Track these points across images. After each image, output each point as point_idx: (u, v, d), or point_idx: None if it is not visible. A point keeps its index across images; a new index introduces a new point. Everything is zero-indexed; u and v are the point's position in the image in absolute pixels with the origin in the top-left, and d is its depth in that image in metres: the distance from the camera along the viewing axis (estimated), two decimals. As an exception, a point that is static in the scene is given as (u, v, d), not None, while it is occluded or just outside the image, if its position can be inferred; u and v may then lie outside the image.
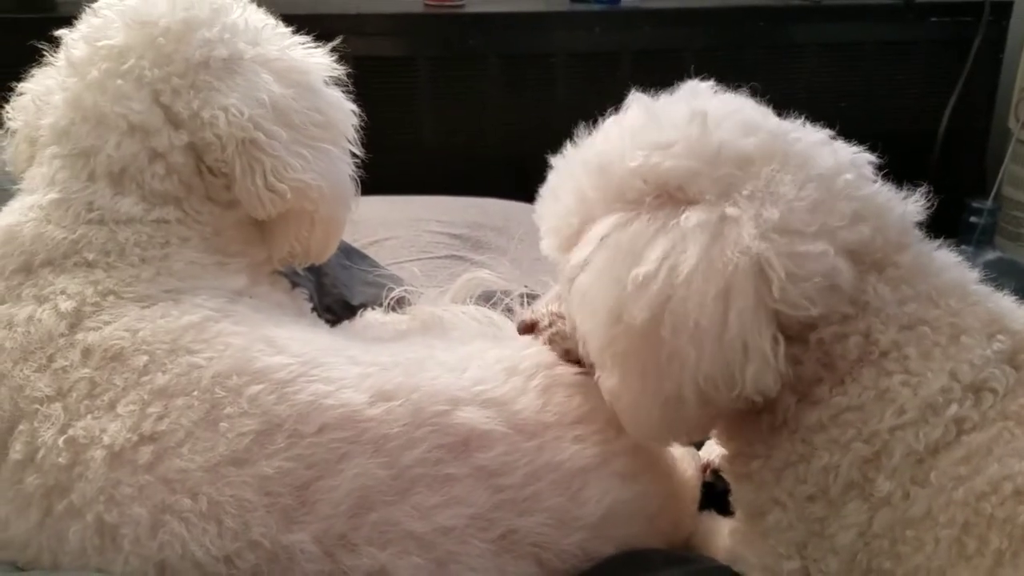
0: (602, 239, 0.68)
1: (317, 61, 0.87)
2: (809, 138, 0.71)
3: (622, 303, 0.65)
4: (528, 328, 0.84)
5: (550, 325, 0.82)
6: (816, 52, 2.22)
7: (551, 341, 0.82)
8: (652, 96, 0.75)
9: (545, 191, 0.79)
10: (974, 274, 0.71)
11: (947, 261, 0.71)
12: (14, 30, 1.76)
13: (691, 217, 0.65)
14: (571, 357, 0.81)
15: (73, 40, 0.82)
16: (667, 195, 0.67)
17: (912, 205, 0.71)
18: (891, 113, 2.29)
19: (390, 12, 2.02)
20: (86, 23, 0.82)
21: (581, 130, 0.78)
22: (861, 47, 2.24)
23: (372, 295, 1.14)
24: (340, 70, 0.89)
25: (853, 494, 0.65)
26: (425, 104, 2.06)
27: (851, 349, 0.66)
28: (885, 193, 0.71)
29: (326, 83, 0.87)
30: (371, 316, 1.07)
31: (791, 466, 0.68)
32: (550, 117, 1.99)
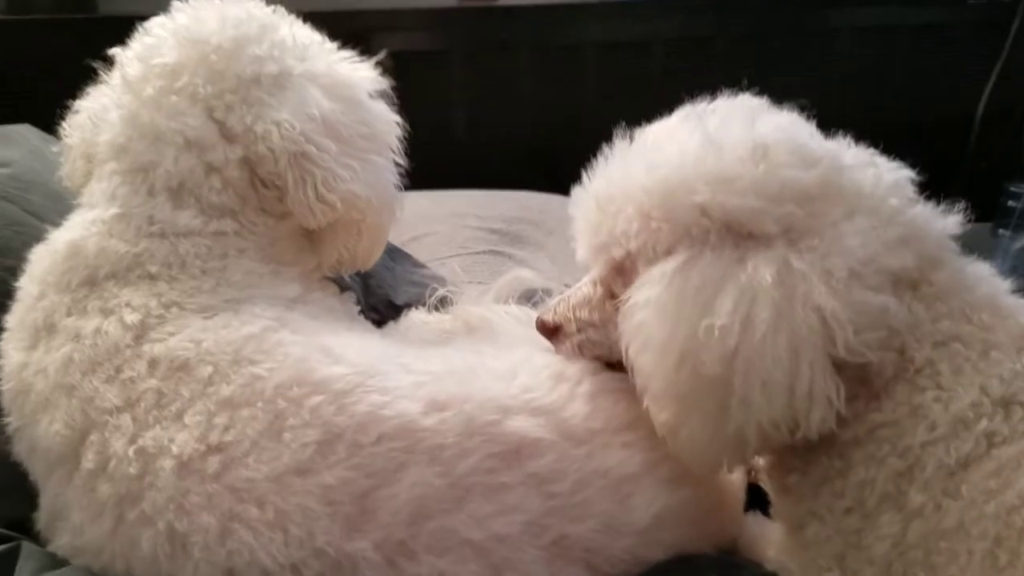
0: (669, 279, 0.69)
1: (362, 75, 0.89)
2: (856, 164, 0.71)
3: (692, 350, 0.66)
4: (551, 332, 0.84)
5: (578, 331, 0.83)
6: (851, 37, 2.18)
7: (580, 347, 0.83)
8: (701, 107, 0.76)
9: (586, 199, 0.78)
10: (1006, 285, 0.72)
11: (980, 275, 0.72)
12: (52, 31, 1.80)
13: (760, 269, 0.66)
14: (601, 362, 0.82)
15: (127, 59, 0.84)
16: (729, 230, 0.68)
17: (950, 221, 0.72)
18: (928, 97, 2.25)
19: (425, 7, 2.02)
20: (139, 42, 0.85)
21: (617, 135, 0.78)
22: (898, 31, 2.20)
23: (416, 295, 1.16)
24: (384, 83, 0.90)
25: (887, 506, 0.66)
26: (459, 97, 2.06)
27: (887, 367, 0.68)
28: (925, 213, 0.71)
29: (371, 96, 0.89)
30: (415, 316, 1.09)
31: (828, 481, 0.70)
32: (582, 109, 1.99)
